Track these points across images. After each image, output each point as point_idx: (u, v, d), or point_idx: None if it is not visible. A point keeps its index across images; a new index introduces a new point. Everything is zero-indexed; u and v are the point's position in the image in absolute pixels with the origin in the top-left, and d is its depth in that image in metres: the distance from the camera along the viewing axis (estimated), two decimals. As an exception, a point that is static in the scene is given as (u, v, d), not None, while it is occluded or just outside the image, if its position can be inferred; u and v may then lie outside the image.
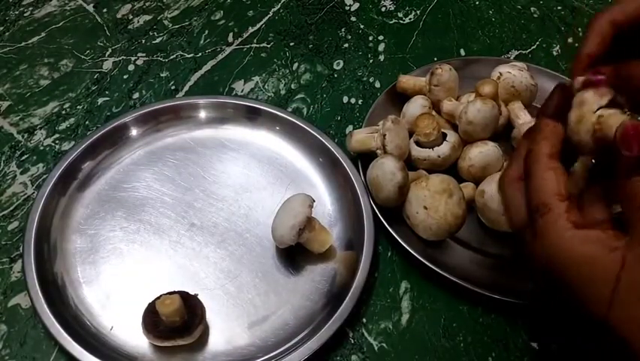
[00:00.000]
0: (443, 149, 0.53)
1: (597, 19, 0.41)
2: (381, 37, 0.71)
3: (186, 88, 0.64)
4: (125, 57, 0.67)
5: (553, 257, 0.33)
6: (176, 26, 0.71)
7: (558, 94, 0.38)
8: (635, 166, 0.32)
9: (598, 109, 0.34)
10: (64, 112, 0.61)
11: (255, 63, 0.67)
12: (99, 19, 0.71)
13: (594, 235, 0.32)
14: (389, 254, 0.52)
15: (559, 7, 0.76)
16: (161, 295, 0.43)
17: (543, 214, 0.34)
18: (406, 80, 0.60)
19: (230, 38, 0.70)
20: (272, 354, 0.45)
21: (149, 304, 0.44)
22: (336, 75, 0.67)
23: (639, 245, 0.31)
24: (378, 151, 0.53)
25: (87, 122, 0.60)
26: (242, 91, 0.64)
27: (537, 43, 0.72)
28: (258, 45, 0.69)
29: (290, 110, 0.62)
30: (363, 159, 0.55)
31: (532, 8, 0.76)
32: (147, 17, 0.71)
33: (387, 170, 0.49)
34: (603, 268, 0.31)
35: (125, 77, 0.65)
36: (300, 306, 0.48)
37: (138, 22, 0.71)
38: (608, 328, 0.31)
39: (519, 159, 0.38)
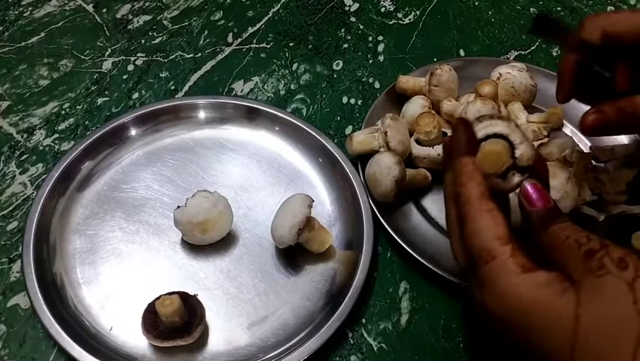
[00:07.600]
0: (443, 149, 0.53)
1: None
2: (380, 38, 0.71)
3: (186, 88, 0.64)
4: (124, 57, 0.67)
5: (505, 306, 0.31)
6: (176, 26, 0.71)
7: (463, 130, 0.36)
8: (545, 219, 0.33)
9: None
10: (63, 112, 0.61)
11: (254, 63, 0.67)
12: (99, 19, 0.71)
13: (544, 278, 0.31)
14: (388, 254, 0.52)
15: (559, 8, 0.76)
16: (160, 296, 0.43)
17: (487, 262, 0.32)
18: (406, 81, 0.60)
19: (229, 39, 0.70)
20: (272, 354, 0.45)
21: (149, 304, 0.44)
22: (335, 76, 0.67)
23: (589, 283, 0.30)
24: (382, 149, 0.53)
25: (87, 123, 0.60)
26: (241, 91, 0.64)
27: (537, 43, 0.72)
28: (257, 45, 0.69)
29: (289, 110, 0.62)
30: (363, 159, 0.55)
31: (532, 9, 0.76)
32: (147, 17, 0.71)
33: (384, 165, 0.49)
34: (559, 311, 0.30)
35: (124, 77, 0.65)
36: (300, 306, 0.48)
37: (138, 22, 0.71)
38: None
39: (452, 201, 0.36)
